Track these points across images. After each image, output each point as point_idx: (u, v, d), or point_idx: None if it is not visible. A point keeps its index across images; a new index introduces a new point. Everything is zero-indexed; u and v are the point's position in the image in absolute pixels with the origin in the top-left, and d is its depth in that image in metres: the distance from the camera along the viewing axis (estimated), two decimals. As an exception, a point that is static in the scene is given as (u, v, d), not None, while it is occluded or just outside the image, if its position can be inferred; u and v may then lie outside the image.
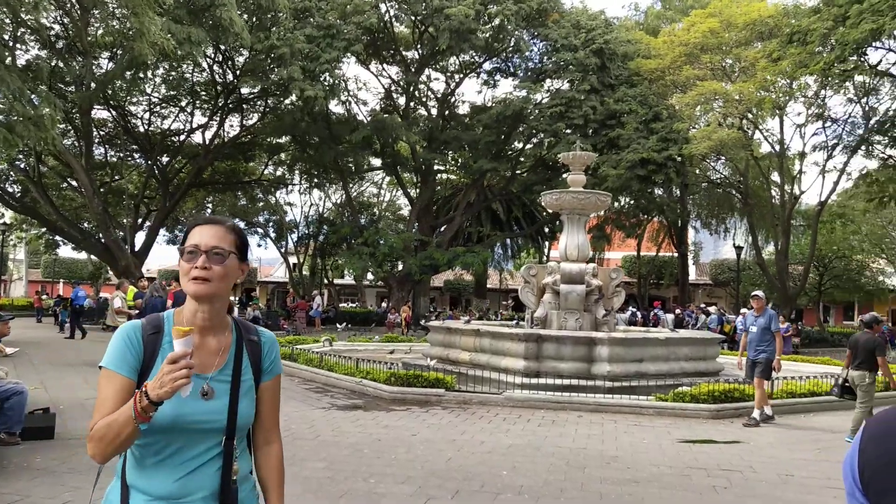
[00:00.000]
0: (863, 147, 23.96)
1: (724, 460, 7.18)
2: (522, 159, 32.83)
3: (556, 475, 6.38)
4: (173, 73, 26.41)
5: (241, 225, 39.53)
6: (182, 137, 30.13)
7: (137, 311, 13.49)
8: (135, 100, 28.27)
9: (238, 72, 26.09)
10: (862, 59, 21.37)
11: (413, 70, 30.45)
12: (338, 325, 28.26)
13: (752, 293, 10.43)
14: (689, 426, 9.15)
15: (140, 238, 29.45)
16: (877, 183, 23.87)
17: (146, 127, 29.62)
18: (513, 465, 6.73)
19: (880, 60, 22.26)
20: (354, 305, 42.04)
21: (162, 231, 31.90)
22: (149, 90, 27.49)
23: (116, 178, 31.90)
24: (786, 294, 27.84)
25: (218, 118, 28.49)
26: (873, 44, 20.08)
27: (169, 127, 30.26)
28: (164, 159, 30.32)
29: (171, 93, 28.08)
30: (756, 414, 9.38)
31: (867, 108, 24.68)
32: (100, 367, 1.79)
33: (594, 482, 6.18)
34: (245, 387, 1.86)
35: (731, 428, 9.15)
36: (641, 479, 6.34)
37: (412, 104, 31.70)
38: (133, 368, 1.77)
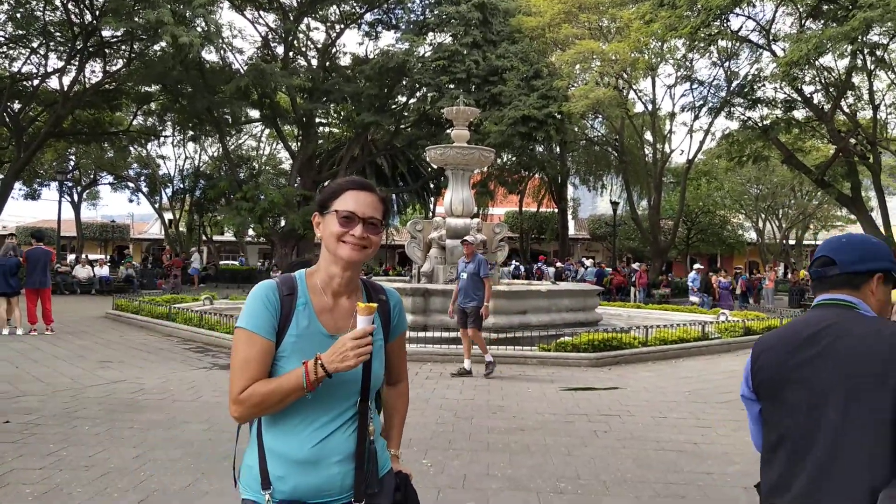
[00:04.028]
0: (725, 109, 25.28)
1: (604, 406, 7.52)
2: (406, 113, 32.47)
3: (444, 426, 6.44)
4: (21, 10, 23.89)
5: (110, 179, 37.57)
6: (35, 82, 27.47)
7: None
8: (-26, 38, 25.44)
9: (98, 12, 23.95)
10: (725, 24, 22.50)
11: (291, 18, 29.19)
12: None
13: (462, 238, 9.73)
14: (571, 374, 9.53)
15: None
16: (737, 143, 25.39)
17: (-9, 69, 26.79)
18: (402, 418, 6.72)
19: (741, 27, 23.50)
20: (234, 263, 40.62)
21: (18, 185, 29.26)
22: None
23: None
24: (658, 247, 29.43)
25: (77, 62, 26.09)
26: (734, 10, 21.17)
27: (19, 70, 27.47)
28: (16, 106, 27.58)
29: (20, 32, 25.41)
30: (467, 364, 9.25)
31: (729, 72, 26.06)
32: (236, 328, 1.77)
33: (482, 432, 6.29)
34: (376, 346, 1.82)
35: (609, 375, 9.60)
36: (527, 427, 6.52)
37: (291, 54, 30.46)
38: (273, 329, 1.76)
